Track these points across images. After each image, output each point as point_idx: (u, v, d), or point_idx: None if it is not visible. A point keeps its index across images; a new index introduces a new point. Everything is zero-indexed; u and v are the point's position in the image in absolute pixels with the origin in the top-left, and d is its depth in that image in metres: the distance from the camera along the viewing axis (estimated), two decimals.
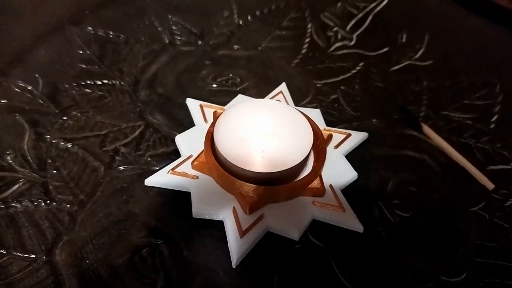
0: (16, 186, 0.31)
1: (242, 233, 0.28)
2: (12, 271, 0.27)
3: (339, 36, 0.46)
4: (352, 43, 0.45)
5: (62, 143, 0.34)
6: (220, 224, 0.29)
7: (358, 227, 0.29)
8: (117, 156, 0.34)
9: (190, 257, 0.28)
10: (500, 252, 0.30)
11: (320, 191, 0.30)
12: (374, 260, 0.29)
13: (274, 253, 0.29)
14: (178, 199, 0.31)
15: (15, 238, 0.29)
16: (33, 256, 0.28)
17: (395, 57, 0.43)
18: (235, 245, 0.28)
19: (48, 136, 0.34)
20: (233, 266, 0.28)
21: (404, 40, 0.45)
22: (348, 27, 0.47)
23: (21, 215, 0.30)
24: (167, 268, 0.28)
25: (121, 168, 0.33)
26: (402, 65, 0.43)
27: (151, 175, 0.32)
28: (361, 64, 0.43)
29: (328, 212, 0.30)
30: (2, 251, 0.28)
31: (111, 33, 0.43)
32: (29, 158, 0.33)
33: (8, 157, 0.33)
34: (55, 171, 0.32)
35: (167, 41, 0.44)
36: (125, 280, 0.27)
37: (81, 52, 0.41)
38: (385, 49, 0.44)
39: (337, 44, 0.45)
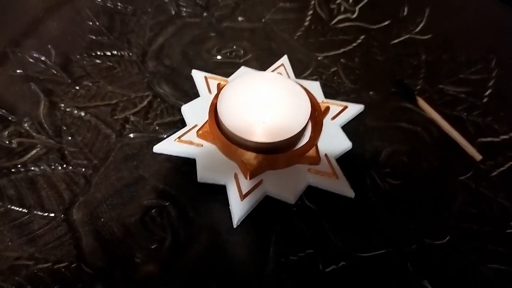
0: (34, 151, 0.34)
1: (243, 196, 0.30)
2: (33, 228, 0.30)
3: (342, 8, 0.47)
4: (355, 15, 0.46)
5: (76, 112, 0.36)
6: (222, 188, 0.32)
7: (350, 193, 0.32)
8: (127, 124, 0.36)
9: (195, 217, 0.31)
10: (482, 218, 0.32)
11: (316, 160, 0.32)
12: (363, 223, 0.31)
13: (272, 215, 0.31)
14: (184, 165, 0.33)
15: (35, 198, 0.31)
16: (52, 215, 0.31)
17: (395, 31, 0.44)
18: (236, 207, 0.30)
19: (62, 105, 0.37)
20: (234, 226, 0.30)
21: (405, 13, 0.46)
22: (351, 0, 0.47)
23: (40, 178, 0.32)
24: (175, 227, 0.30)
25: (131, 135, 0.35)
26: (402, 38, 0.44)
27: (159, 142, 0.34)
28: (362, 37, 0.44)
29: (322, 179, 0.32)
30: (24, 210, 0.31)
31: (119, 4, 0.45)
32: (45, 125, 0.35)
33: (26, 124, 0.35)
34: (70, 138, 0.35)
35: (173, 12, 0.45)
36: (136, 237, 0.30)
37: (91, 23, 0.43)
38: (386, 22, 0.45)
39: (340, 17, 0.46)
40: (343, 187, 0.32)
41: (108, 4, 0.44)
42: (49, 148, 0.34)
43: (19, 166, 0.33)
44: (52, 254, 0.29)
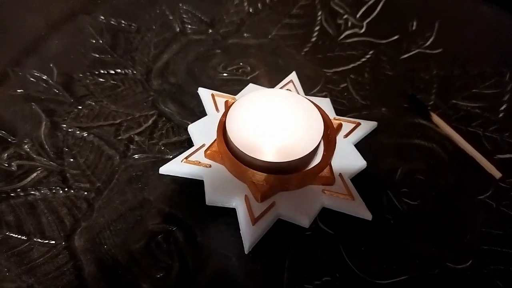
0: (34, 174, 0.32)
1: (254, 220, 0.29)
2: (33, 256, 0.28)
3: (349, 23, 0.46)
4: (362, 31, 0.45)
5: (78, 132, 0.35)
6: (232, 211, 0.30)
7: (367, 215, 0.30)
8: (131, 144, 0.34)
9: (204, 243, 0.29)
10: (505, 239, 0.30)
11: (330, 180, 0.30)
12: (382, 247, 0.30)
13: (285, 239, 0.29)
14: (192, 187, 0.32)
15: (35, 224, 0.30)
16: (53, 242, 0.29)
17: (405, 45, 0.43)
18: (248, 232, 0.29)
19: (64, 125, 0.35)
20: (246, 252, 0.29)
21: (414, 28, 0.45)
22: (358, 15, 0.47)
23: (40, 203, 0.31)
24: (182, 253, 0.29)
25: (136, 156, 0.34)
26: (412, 53, 0.43)
27: (164, 163, 0.32)
28: (371, 52, 0.43)
29: (337, 200, 0.30)
30: (23, 237, 0.29)
31: (123, 22, 0.44)
32: (46, 146, 0.34)
33: (26, 146, 0.34)
34: (71, 159, 0.33)
35: (178, 29, 0.44)
36: (142, 265, 0.28)
37: (94, 41, 0.42)
38: (395, 37, 0.44)
39: (347, 32, 0.45)
40: (359, 209, 0.30)
41: (112, 22, 0.44)
42: (50, 171, 0.32)
43: (19, 190, 0.31)
44: (53, 285, 0.27)
